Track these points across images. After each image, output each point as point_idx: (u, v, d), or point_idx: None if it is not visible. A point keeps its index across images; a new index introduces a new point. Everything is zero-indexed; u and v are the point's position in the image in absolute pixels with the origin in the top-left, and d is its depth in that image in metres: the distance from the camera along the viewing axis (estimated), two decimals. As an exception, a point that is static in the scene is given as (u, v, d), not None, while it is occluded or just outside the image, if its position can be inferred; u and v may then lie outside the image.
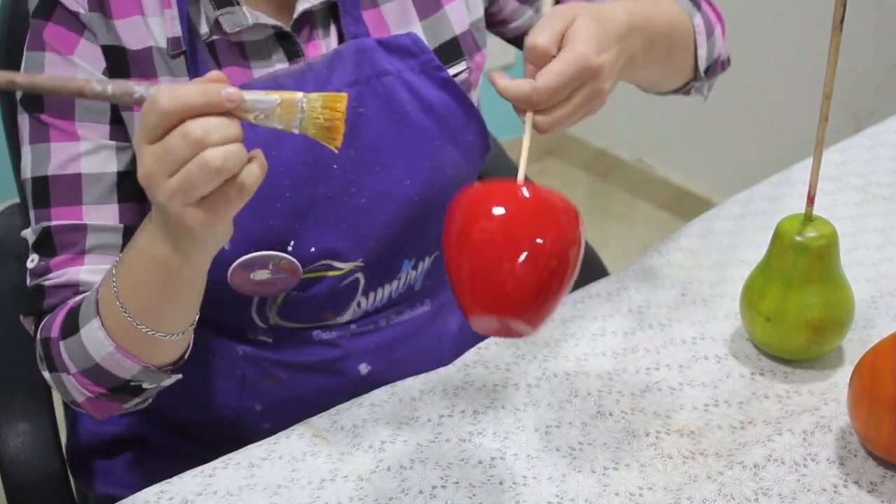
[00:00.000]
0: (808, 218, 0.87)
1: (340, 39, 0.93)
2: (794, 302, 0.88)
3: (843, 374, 0.90)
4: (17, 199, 1.15)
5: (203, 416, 1.03)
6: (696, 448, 0.83)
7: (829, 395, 0.88)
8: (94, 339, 0.81)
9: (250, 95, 0.66)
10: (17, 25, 1.05)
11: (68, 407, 1.17)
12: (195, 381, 0.99)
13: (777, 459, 0.81)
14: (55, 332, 0.84)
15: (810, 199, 0.87)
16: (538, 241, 0.67)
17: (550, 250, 0.67)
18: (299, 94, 0.66)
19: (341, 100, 0.67)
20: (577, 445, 0.84)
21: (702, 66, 0.99)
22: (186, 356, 0.86)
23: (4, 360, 1.04)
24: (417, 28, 0.95)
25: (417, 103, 0.93)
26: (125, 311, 0.78)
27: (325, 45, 0.92)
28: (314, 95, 0.67)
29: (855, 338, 0.95)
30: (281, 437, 0.86)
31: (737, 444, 0.83)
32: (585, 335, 0.96)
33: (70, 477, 1.00)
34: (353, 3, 0.91)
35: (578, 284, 1.15)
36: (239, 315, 0.96)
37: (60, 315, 0.85)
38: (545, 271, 0.68)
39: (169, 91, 0.65)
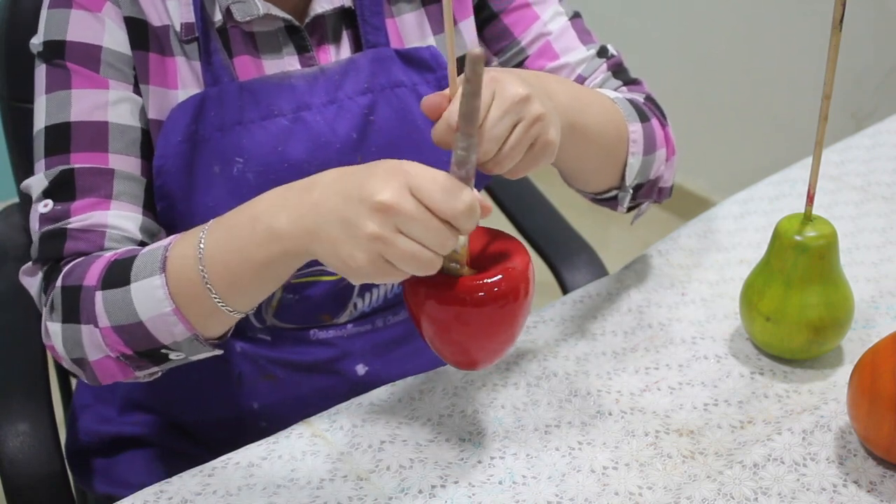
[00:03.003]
0: (808, 217, 0.87)
1: (356, 47, 0.93)
2: (794, 302, 0.87)
3: (843, 374, 0.90)
4: (17, 199, 1.15)
5: (201, 415, 1.03)
6: (695, 447, 0.83)
7: (828, 395, 0.88)
8: (150, 296, 0.78)
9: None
10: (17, 25, 1.05)
11: (68, 407, 1.17)
12: (193, 378, 0.99)
13: (777, 459, 0.81)
14: (91, 280, 0.80)
15: (810, 199, 0.87)
16: (491, 328, 0.75)
17: (504, 325, 0.75)
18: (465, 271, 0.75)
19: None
20: (576, 445, 0.84)
21: (629, 176, 0.92)
22: (229, 335, 0.83)
23: (3, 360, 1.04)
24: (432, 42, 0.95)
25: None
26: (204, 277, 0.76)
27: (334, 50, 0.92)
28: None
29: (855, 338, 0.95)
30: (280, 436, 0.86)
31: (736, 444, 0.83)
32: (585, 335, 0.96)
33: (69, 477, 1.00)
34: (374, 12, 0.92)
35: (578, 284, 1.15)
36: None
37: (100, 264, 0.81)
38: (502, 344, 0.77)
39: (473, 195, 0.68)
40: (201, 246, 0.76)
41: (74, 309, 0.81)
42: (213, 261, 0.76)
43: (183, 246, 0.78)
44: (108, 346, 0.80)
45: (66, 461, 0.98)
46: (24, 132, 0.93)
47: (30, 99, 0.89)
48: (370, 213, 0.67)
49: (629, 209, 0.99)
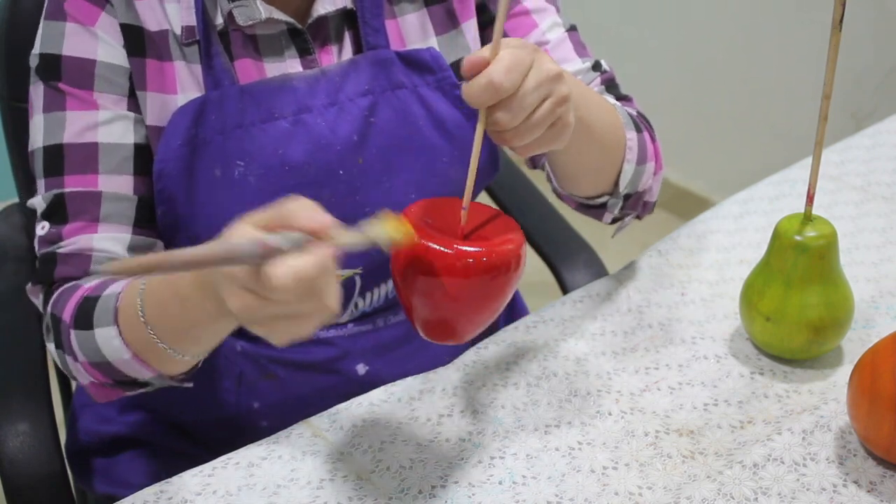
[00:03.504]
0: (808, 217, 0.87)
1: (358, 48, 0.93)
2: (794, 302, 0.87)
3: (843, 374, 0.90)
4: (17, 199, 1.15)
5: (202, 415, 1.03)
6: (695, 447, 0.83)
7: (828, 395, 0.88)
8: (110, 345, 0.81)
9: (345, 239, 0.67)
10: (17, 25, 1.05)
11: (68, 407, 1.17)
12: (194, 378, 0.99)
13: (776, 459, 0.81)
14: (67, 316, 0.84)
15: (810, 199, 0.87)
16: (477, 299, 0.75)
17: (489, 298, 0.76)
18: (379, 234, 0.70)
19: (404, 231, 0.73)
20: (576, 445, 0.84)
21: (623, 183, 0.93)
22: (199, 366, 0.86)
23: (4, 359, 1.04)
24: (434, 43, 0.95)
25: (430, 119, 0.93)
26: (150, 331, 0.78)
27: (336, 52, 0.92)
28: (384, 231, 0.71)
29: (855, 337, 0.95)
30: (280, 436, 0.86)
31: (736, 444, 0.83)
32: (585, 335, 0.96)
33: (69, 477, 1.00)
34: (374, 14, 0.92)
35: (578, 284, 1.15)
36: None
37: (74, 299, 0.84)
38: (484, 316, 0.77)
39: (294, 273, 0.61)
40: (140, 306, 0.78)
41: (59, 339, 0.85)
42: (155, 322, 0.78)
43: (127, 302, 0.80)
44: (91, 375, 0.84)
45: (66, 461, 0.98)
46: (24, 132, 0.93)
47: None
48: (241, 321, 0.66)
49: (612, 221, 0.99)
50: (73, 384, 1.15)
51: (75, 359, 0.84)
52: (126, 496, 0.81)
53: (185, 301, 0.74)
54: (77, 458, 1.07)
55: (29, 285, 0.90)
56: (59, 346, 0.85)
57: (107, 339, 0.81)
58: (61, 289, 0.86)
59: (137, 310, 0.78)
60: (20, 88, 1.06)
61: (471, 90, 0.70)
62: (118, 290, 0.82)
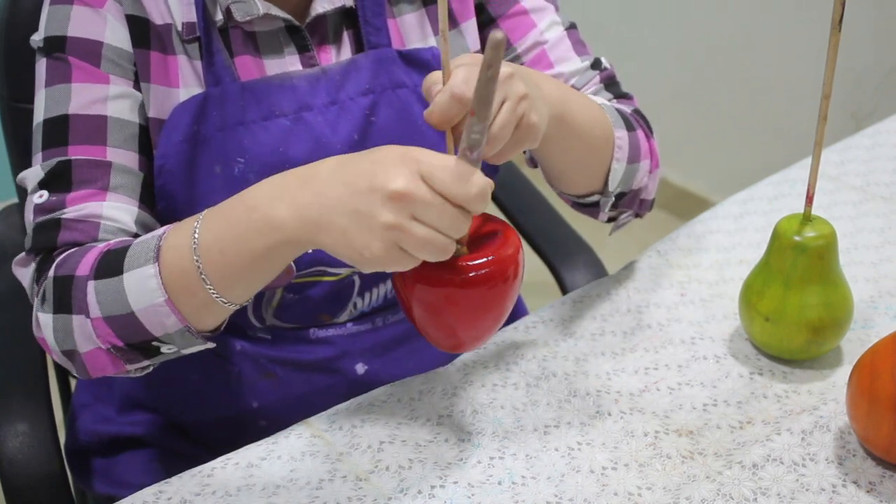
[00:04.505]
0: (807, 218, 0.87)
1: (357, 47, 0.93)
2: (793, 302, 0.87)
3: (842, 374, 0.90)
4: (16, 200, 1.15)
5: (200, 414, 1.03)
6: (694, 448, 0.83)
7: (827, 395, 0.88)
8: (142, 287, 0.77)
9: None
10: (17, 25, 1.05)
11: (67, 407, 1.17)
12: (193, 377, 1.00)
13: (776, 459, 0.81)
14: (84, 270, 0.80)
15: (809, 199, 0.87)
16: (480, 306, 0.76)
17: (492, 307, 0.76)
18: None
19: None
20: (575, 445, 0.84)
21: (613, 182, 0.92)
22: (222, 328, 0.83)
23: (3, 360, 1.04)
24: (434, 43, 0.95)
25: None
26: (199, 267, 0.75)
27: (335, 51, 0.92)
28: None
29: (854, 338, 0.95)
30: (280, 437, 0.86)
31: (735, 444, 0.83)
32: (585, 335, 0.96)
33: (69, 477, 1.00)
34: (375, 13, 0.92)
35: (578, 284, 1.15)
36: (235, 314, 0.96)
37: (93, 254, 0.81)
38: (489, 326, 0.78)
39: (487, 184, 0.69)
40: (196, 236, 0.76)
41: (66, 299, 0.80)
42: (209, 251, 0.75)
43: (177, 236, 0.78)
44: (99, 337, 0.80)
45: (65, 461, 0.98)
46: (24, 132, 0.93)
47: (29, 99, 0.89)
48: (384, 203, 0.67)
49: (610, 220, 0.99)
50: (73, 384, 1.15)
51: (87, 315, 0.79)
52: (125, 496, 0.81)
53: (251, 211, 0.73)
54: (76, 459, 1.07)
55: (20, 256, 0.86)
56: (60, 309, 0.80)
57: (139, 281, 0.77)
58: (68, 252, 0.83)
59: (190, 241, 0.75)
60: (20, 88, 1.06)
61: (437, 108, 0.71)
62: (160, 232, 0.79)
